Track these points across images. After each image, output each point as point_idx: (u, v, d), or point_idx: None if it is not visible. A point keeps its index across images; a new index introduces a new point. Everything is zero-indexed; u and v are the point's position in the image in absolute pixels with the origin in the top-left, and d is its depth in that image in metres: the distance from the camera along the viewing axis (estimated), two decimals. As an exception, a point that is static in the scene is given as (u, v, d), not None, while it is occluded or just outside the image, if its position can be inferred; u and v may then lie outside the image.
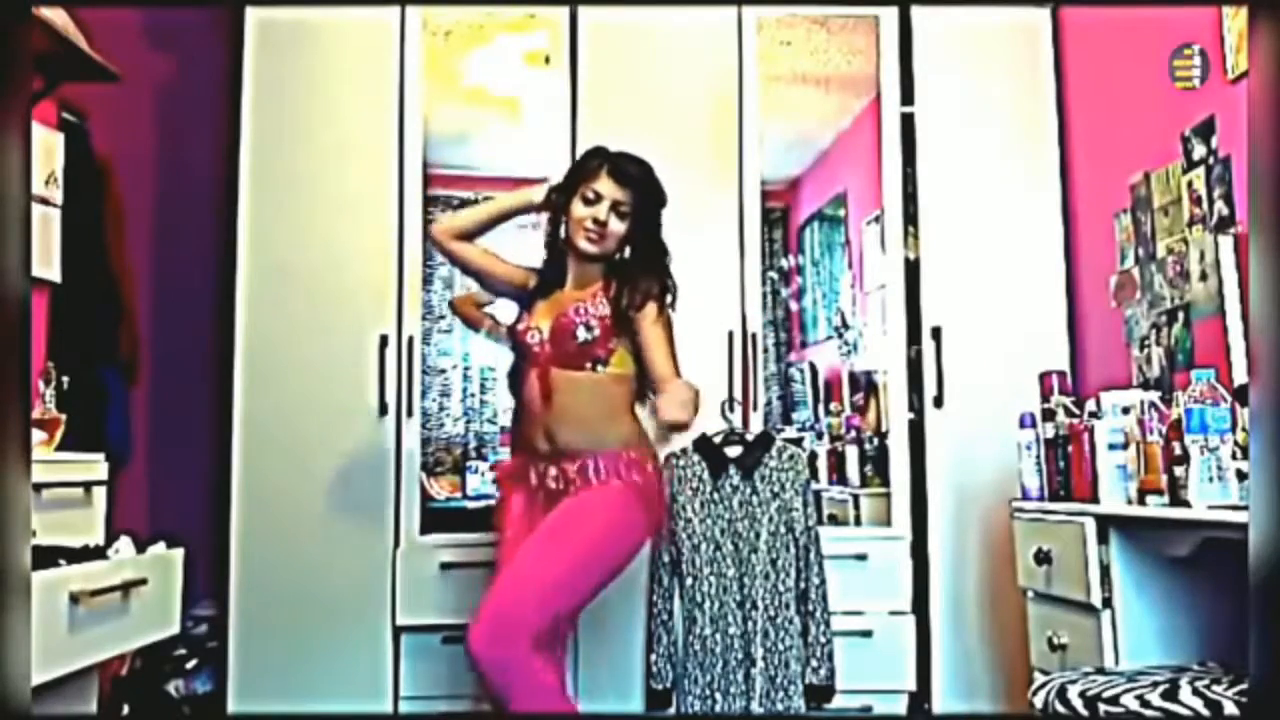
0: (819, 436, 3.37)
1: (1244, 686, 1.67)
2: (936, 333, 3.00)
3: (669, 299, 2.32)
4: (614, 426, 2.29)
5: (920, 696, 2.91)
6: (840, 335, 3.41)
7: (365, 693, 2.84)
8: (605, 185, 2.29)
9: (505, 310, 2.60)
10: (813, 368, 3.47)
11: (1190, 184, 2.47)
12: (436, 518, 2.99)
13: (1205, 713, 1.62)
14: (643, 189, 2.32)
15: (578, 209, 2.31)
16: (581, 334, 2.25)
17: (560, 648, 2.35)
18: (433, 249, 2.51)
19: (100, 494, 2.25)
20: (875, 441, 3.16)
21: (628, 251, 2.36)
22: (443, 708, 2.84)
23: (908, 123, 3.09)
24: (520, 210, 2.46)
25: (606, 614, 2.70)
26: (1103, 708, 1.72)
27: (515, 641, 2.06)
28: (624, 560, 2.27)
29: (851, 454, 3.23)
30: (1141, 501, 2.02)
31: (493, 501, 3.17)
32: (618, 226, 2.31)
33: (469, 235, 2.43)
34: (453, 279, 3.43)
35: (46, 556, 1.72)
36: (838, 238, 3.47)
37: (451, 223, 2.47)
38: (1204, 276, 2.40)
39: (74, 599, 1.67)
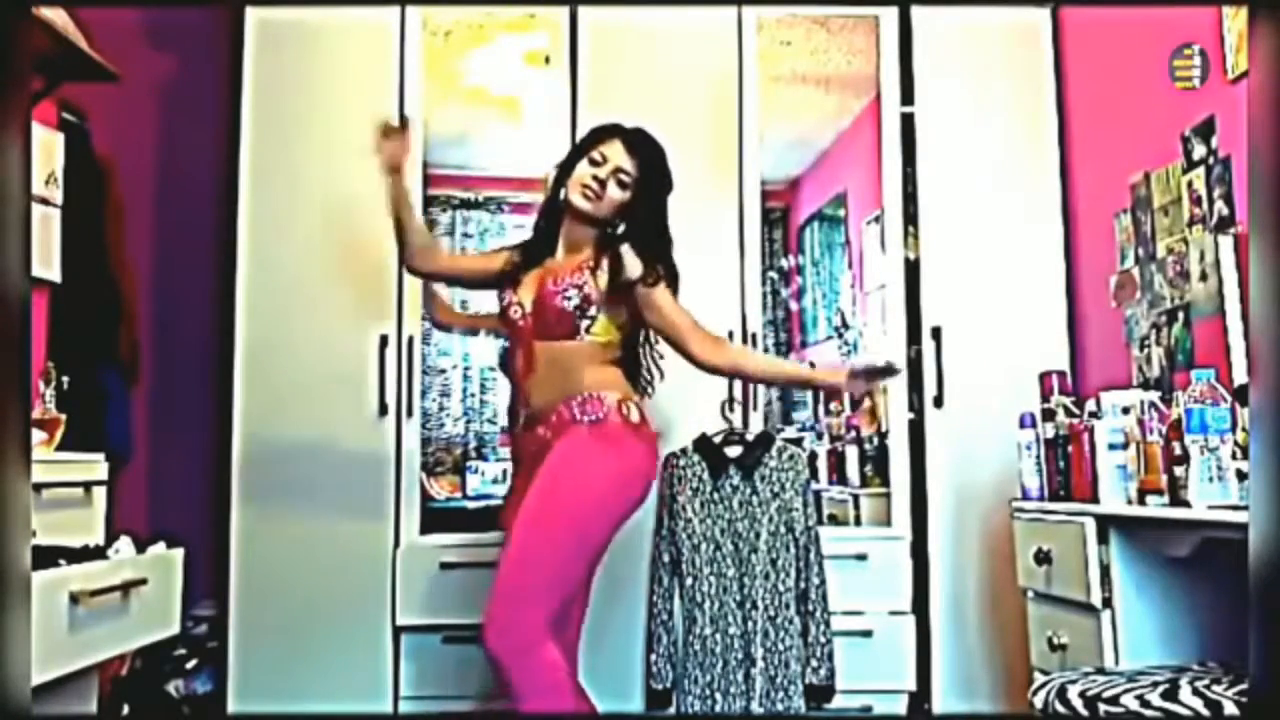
0: (819, 436, 3.37)
1: (1244, 686, 1.67)
2: (936, 333, 3.00)
3: (675, 287, 2.33)
4: (582, 377, 2.26)
5: (920, 696, 2.91)
6: (840, 335, 3.41)
7: (365, 693, 2.84)
8: (613, 150, 2.30)
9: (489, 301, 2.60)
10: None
11: (1190, 184, 2.47)
12: (436, 518, 2.99)
13: (1205, 713, 1.62)
14: (650, 164, 2.32)
15: (581, 168, 2.30)
16: (560, 303, 2.25)
17: (579, 613, 2.35)
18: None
19: (100, 494, 2.25)
20: (875, 441, 3.16)
21: (622, 228, 2.33)
22: (443, 708, 2.84)
23: (908, 123, 3.09)
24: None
25: (607, 614, 2.70)
26: (1103, 708, 1.72)
27: (523, 630, 2.06)
28: (618, 510, 2.21)
29: (851, 454, 3.23)
30: (1141, 501, 2.02)
31: (493, 502, 3.20)
32: (616, 193, 2.29)
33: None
34: (453, 279, 3.44)
35: (46, 556, 1.72)
36: (838, 238, 3.47)
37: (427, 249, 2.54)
38: (1204, 276, 2.40)
39: (74, 599, 1.67)
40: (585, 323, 2.27)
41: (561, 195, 2.35)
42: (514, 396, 2.41)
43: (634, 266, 2.27)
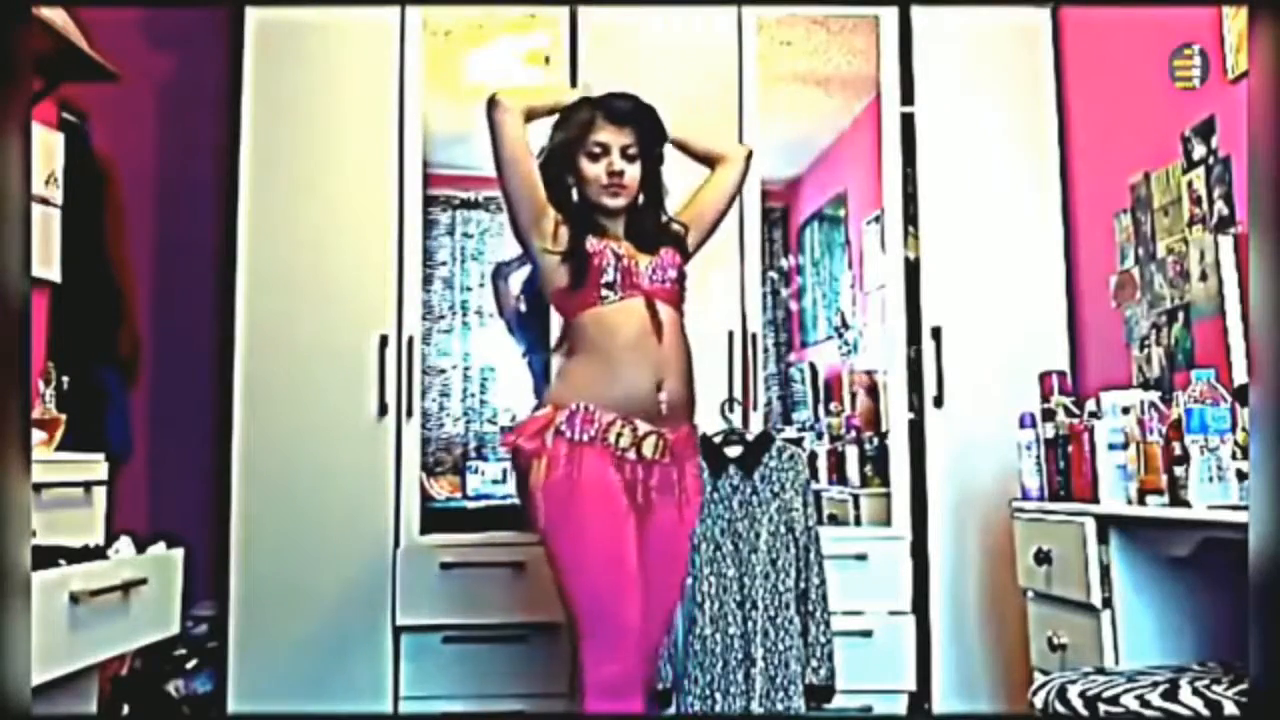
0: (819, 436, 3.37)
1: (1244, 686, 1.67)
2: (936, 333, 3.00)
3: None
4: (693, 389, 2.17)
5: (920, 696, 2.91)
6: (840, 335, 3.41)
7: (365, 693, 2.84)
8: (607, 133, 2.15)
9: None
10: (813, 368, 3.47)
11: (1190, 184, 2.47)
12: (436, 518, 2.99)
13: (1205, 713, 1.62)
14: (643, 124, 2.18)
15: (587, 167, 2.15)
16: (674, 274, 2.16)
17: None
18: (495, 114, 2.15)
19: (100, 494, 2.25)
20: (875, 441, 3.16)
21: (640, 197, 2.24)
22: (443, 708, 2.84)
23: (908, 123, 3.09)
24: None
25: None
26: (1103, 708, 1.72)
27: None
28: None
29: (851, 454, 3.23)
30: (1141, 501, 2.02)
31: (493, 502, 3.20)
32: (633, 172, 2.17)
33: (541, 113, 2.21)
34: (453, 279, 3.44)
35: (46, 556, 1.72)
36: (838, 238, 3.47)
37: (525, 99, 2.20)
38: (1204, 276, 2.40)
39: (74, 599, 1.67)
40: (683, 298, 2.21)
41: (575, 194, 2.20)
42: (600, 357, 2.09)
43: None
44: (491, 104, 2.15)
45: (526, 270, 3.13)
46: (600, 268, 2.09)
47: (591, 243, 2.12)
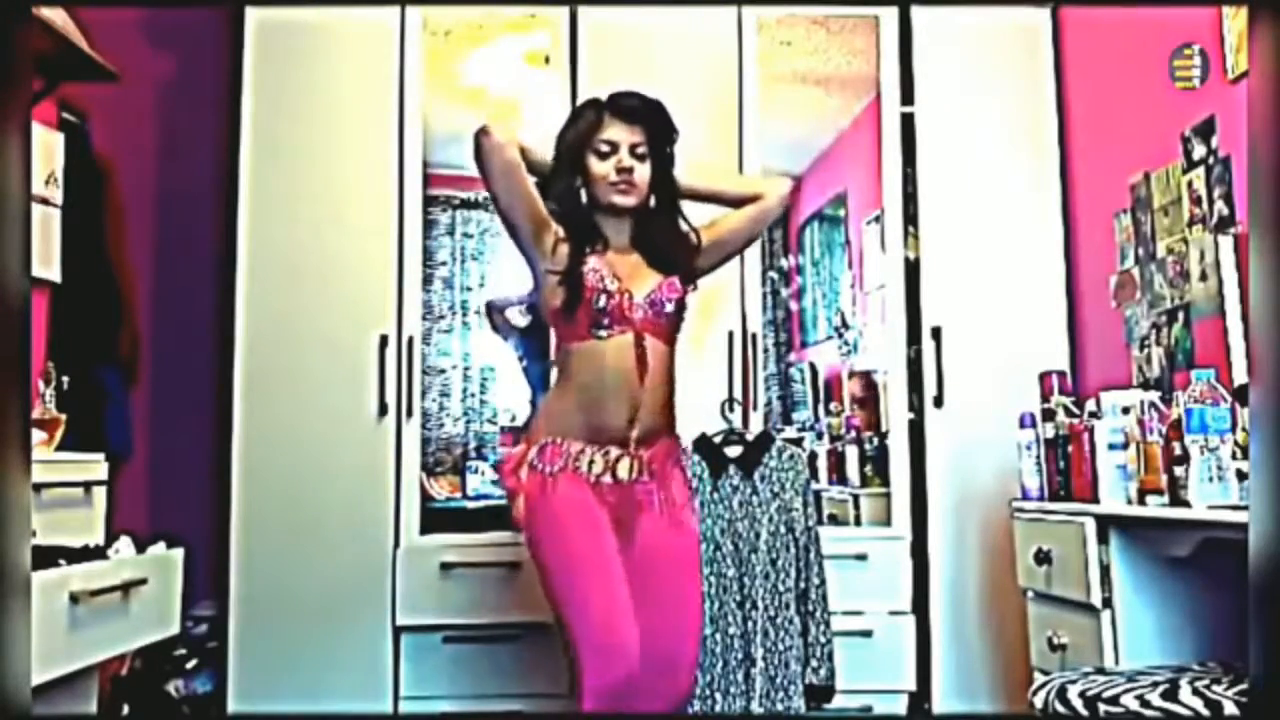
0: (819, 436, 3.37)
1: (1244, 686, 1.67)
2: (936, 333, 3.00)
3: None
4: (672, 413, 2.18)
5: (920, 696, 2.91)
6: (840, 335, 3.41)
7: (365, 693, 2.84)
8: (616, 131, 2.13)
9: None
10: (813, 368, 3.47)
11: (1190, 184, 2.47)
12: (436, 518, 2.99)
13: (1205, 713, 1.62)
14: (653, 122, 2.16)
15: (596, 165, 2.13)
16: (671, 308, 2.13)
17: None
18: (485, 147, 2.10)
19: (100, 494, 2.25)
20: (875, 441, 3.16)
21: (652, 200, 2.20)
22: (443, 708, 2.84)
23: (908, 123, 3.09)
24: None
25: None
26: (1103, 708, 1.72)
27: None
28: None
29: (851, 454, 3.23)
30: (1141, 501, 2.02)
31: (492, 502, 3.19)
32: (643, 170, 2.14)
33: (530, 164, 2.14)
34: (453, 279, 3.43)
35: (46, 556, 1.72)
36: (838, 238, 3.47)
37: (517, 136, 2.12)
38: (1204, 276, 2.40)
39: (74, 599, 1.67)
40: (678, 329, 2.18)
41: (584, 196, 2.17)
42: (582, 389, 2.10)
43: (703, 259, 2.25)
44: (481, 132, 2.11)
45: (518, 302, 3.26)
46: (591, 299, 2.07)
47: (588, 267, 2.09)
